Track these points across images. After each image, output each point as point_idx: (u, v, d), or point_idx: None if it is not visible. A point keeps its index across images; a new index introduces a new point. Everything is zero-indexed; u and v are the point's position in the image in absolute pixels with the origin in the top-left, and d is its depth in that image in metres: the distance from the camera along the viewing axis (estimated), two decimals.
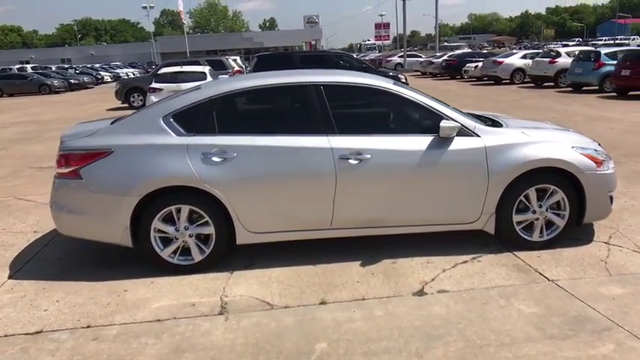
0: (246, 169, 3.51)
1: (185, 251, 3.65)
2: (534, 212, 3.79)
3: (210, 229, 3.60)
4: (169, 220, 3.58)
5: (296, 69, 13.41)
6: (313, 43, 57.82)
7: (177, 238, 3.60)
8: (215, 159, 3.50)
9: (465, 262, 3.70)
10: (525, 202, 3.76)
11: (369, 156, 3.56)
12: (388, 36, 56.55)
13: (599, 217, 3.92)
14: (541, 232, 3.84)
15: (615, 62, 14.75)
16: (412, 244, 3.92)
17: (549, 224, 3.84)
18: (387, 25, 55.06)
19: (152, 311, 3.15)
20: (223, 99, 3.67)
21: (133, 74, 42.47)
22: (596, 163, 3.77)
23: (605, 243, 3.93)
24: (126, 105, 16.72)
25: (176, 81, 12.07)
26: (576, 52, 17.47)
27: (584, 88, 16.33)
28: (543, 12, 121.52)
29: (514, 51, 23.25)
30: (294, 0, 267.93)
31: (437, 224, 3.78)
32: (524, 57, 20.31)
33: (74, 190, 3.55)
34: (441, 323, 2.86)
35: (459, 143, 3.64)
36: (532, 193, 3.74)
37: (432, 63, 27.40)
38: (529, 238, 3.83)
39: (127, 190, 3.47)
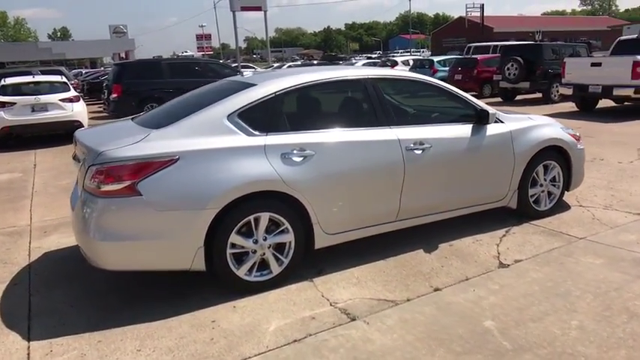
0: (325, 167, 3.32)
1: (261, 265, 3.27)
2: (541, 186, 4.42)
3: (288, 237, 3.29)
4: (245, 232, 3.16)
5: (165, 77, 12.61)
6: (122, 55, 53.52)
7: (254, 252, 3.20)
8: (295, 159, 3.23)
9: (504, 235, 4.11)
10: (536, 177, 4.36)
11: (429, 145, 3.70)
12: (211, 47, 55.96)
13: (578, 184, 4.75)
14: (545, 202, 4.49)
15: (446, 68, 17.44)
16: (445, 227, 4.11)
17: (549, 195, 4.52)
18: (208, 37, 54.47)
19: (276, 334, 2.77)
20: (288, 94, 3.41)
21: None
22: (576, 140, 4.58)
23: (581, 206, 4.78)
24: None
25: (29, 92, 10.15)
26: (410, 61, 20.08)
27: None
28: (343, 28, 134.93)
29: (353, 60, 25.46)
30: (87, 9, 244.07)
31: (478, 204, 4.12)
32: (365, 66, 22.42)
33: (130, 210, 2.88)
34: (554, 284, 3.19)
35: (492, 129, 4.04)
36: (540, 169, 4.36)
37: None
38: (538, 209, 4.45)
39: (204, 202, 2.96)
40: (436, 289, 3.21)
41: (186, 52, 79.31)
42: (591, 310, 2.84)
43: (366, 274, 3.49)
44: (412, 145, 3.64)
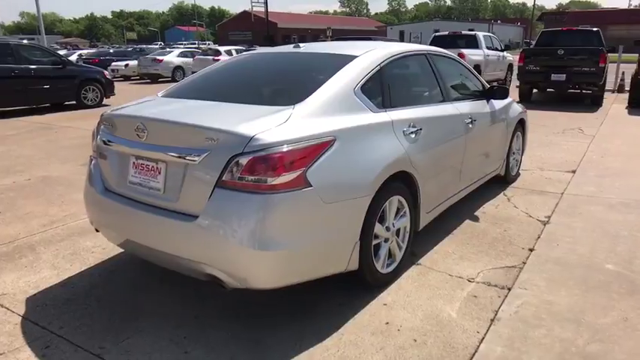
0: (428, 143, 3.21)
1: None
2: (514, 153, 5.09)
3: (405, 220, 3.08)
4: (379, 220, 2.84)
5: None
6: None
7: (386, 241, 2.91)
8: (411, 135, 3.03)
9: (508, 199, 4.62)
10: (512, 146, 5.00)
11: (475, 119, 3.90)
12: None
13: (526, 149, 5.60)
14: (514, 168, 5.19)
15: None
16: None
17: (515, 161, 5.23)
18: None
19: (465, 319, 2.62)
20: (387, 66, 3.12)
21: None
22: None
23: (525, 170, 5.65)
24: None
25: None
26: (233, 51, 19.75)
27: None
28: (110, 15, 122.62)
29: (168, 49, 23.51)
30: None
31: (490, 174, 4.51)
32: (181, 55, 21.06)
33: (301, 206, 2.29)
34: (602, 230, 3.78)
35: (497, 104, 4.45)
36: (515, 138, 5.01)
37: None
38: (513, 174, 5.13)
39: (362, 188, 2.57)
40: (530, 250, 3.46)
41: None
42: None
43: (456, 248, 3.51)
44: (467, 120, 3.77)
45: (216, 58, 19.42)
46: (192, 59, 20.28)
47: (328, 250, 2.47)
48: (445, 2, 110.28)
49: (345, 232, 2.52)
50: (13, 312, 2.78)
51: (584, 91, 11.50)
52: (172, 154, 2.38)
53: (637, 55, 13.09)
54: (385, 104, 2.96)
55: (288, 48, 3.55)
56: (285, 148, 2.23)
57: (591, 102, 11.08)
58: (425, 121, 3.19)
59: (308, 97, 2.58)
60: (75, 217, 4.32)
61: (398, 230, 3.05)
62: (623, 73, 13.57)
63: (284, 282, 2.37)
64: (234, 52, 19.92)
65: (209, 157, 2.26)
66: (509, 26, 47.46)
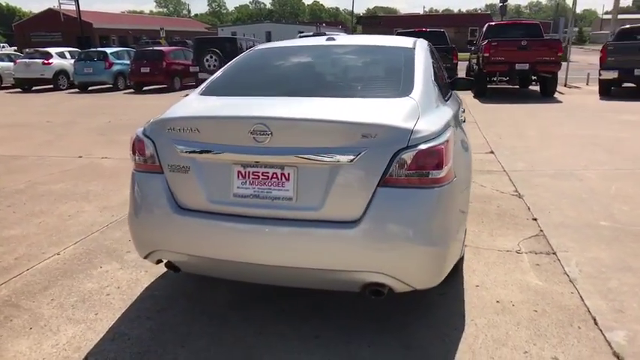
0: (463, 131, 3.40)
1: None
2: None
3: None
4: None
5: None
6: None
7: None
8: (463, 124, 3.19)
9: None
10: None
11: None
12: None
13: None
14: None
15: (124, 61, 16.20)
16: None
17: None
18: None
19: (549, 283, 2.89)
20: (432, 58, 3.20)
21: None
22: None
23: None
24: None
25: None
26: (67, 53, 17.35)
27: (92, 87, 16.77)
28: None
29: None
30: None
31: None
32: None
33: (454, 198, 2.29)
34: (568, 197, 4.48)
35: (458, 94, 4.89)
36: None
37: None
38: None
39: (470, 175, 2.66)
40: (534, 219, 3.94)
41: None
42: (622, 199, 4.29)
43: (478, 227, 3.80)
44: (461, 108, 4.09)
45: (46, 62, 16.81)
46: (12, 64, 17.14)
47: (460, 239, 2.49)
48: (265, 5, 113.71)
49: (465, 220, 2.57)
50: None
51: None
52: (311, 156, 2.10)
53: (467, 53, 15.42)
54: (443, 94, 3.05)
55: (322, 40, 3.35)
56: (441, 139, 2.17)
57: None
58: (459, 110, 3.38)
59: (412, 88, 2.53)
60: (33, 257, 3.42)
61: None
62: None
63: (441, 278, 2.31)
64: (67, 54, 17.47)
65: (367, 154, 2.07)
66: (333, 29, 51.10)
